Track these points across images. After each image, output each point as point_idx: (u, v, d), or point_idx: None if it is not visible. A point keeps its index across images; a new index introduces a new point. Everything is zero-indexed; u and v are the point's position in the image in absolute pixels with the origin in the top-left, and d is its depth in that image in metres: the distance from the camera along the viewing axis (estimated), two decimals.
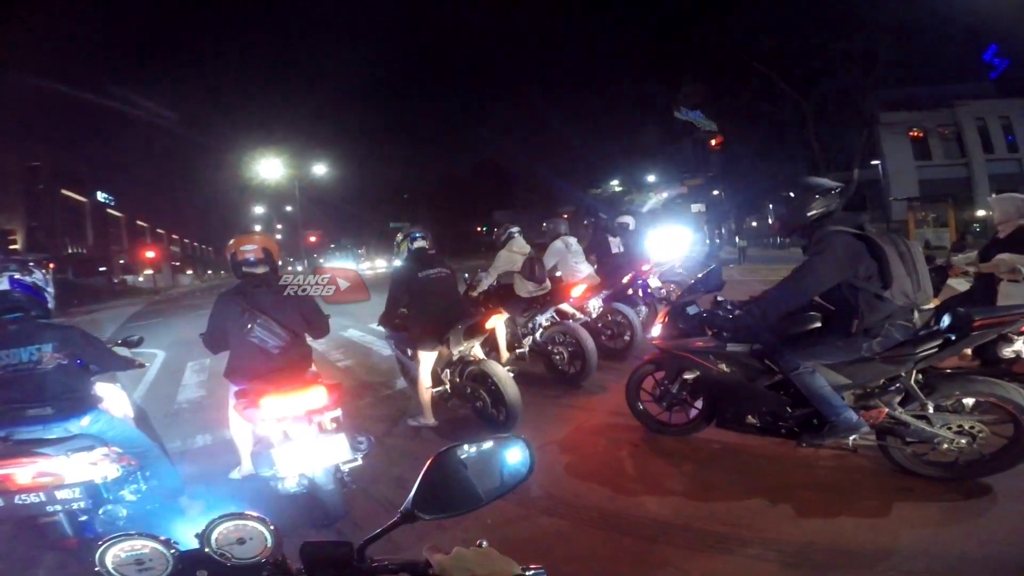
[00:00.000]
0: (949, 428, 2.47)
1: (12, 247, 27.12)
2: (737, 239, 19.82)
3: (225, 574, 0.82)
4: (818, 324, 2.80)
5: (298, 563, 0.86)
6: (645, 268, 6.06)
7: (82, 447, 2.51)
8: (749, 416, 2.92)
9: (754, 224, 31.02)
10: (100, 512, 2.51)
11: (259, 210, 44.72)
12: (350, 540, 0.85)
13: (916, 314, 2.57)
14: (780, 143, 22.89)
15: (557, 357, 4.73)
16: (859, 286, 2.52)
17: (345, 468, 2.77)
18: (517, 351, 4.33)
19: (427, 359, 4.01)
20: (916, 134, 23.68)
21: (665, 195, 32.52)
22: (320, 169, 36.50)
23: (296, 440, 2.65)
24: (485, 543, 0.81)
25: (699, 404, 3.24)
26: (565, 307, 5.05)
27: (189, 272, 53.68)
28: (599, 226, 7.12)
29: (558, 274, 5.40)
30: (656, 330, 3.41)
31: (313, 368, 3.12)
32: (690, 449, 3.29)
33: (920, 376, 2.56)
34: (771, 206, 3.06)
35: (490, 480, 0.89)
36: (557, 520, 2.65)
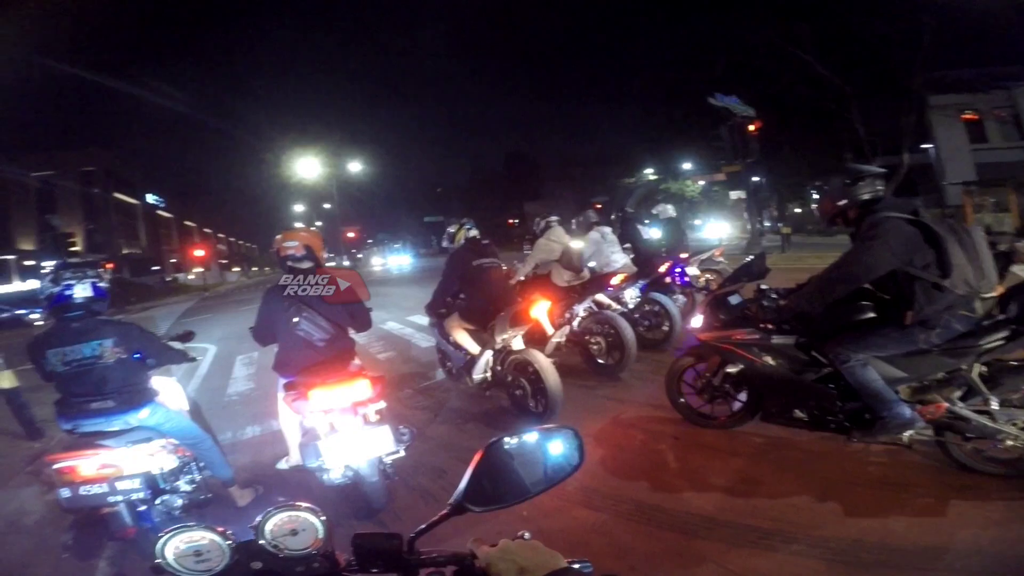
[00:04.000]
0: (1015, 424, 2.33)
1: (73, 248, 28.86)
2: (780, 226, 19.13)
3: (278, 565, 0.84)
4: (871, 315, 2.68)
5: (345, 554, 0.88)
6: (683, 257, 5.94)
7: (141, 439, 2.63)
8: (796, 410, 2.82)
9: (797, 210, 29.89)
10: (157, 502, 2.61)
11: (299, 208, 46.08)
12: (397, 532, 0.86)
13: (978, 303, 2.43)
14: (822, 128, 21.90)
15: (595, 347, 4.70)
16: (915, 275, 2.40)
17: (388, 460, 2.83)
18: (554, 341, 4.33)
19: (467, 340, 4.14)
20: (970, 116, 22.30)
21: (701, 183, 31.72)
22: (356, 167, 37.42)
23: (342, 432, 2.71)
24: (528, 535, 0.81)
25: (743, 397, 3.14)
26: (602, 297, 5.00)
27: (236, 269, 55.78)
28: (626, 217, 7.01)
29: (592, 264, 5.35)
30: (697, 321, 3.34)
31: (357, 361, 3.19)
32: (733, 443, 3.20)
33: (984, 369, 2.42)
34: (816, 192, 2.96)
35: (539, 472, 0.89)
36: (594, 513, 2.63)
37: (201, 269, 41.61)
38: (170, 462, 2.76)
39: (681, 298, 5.80)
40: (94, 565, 2.70)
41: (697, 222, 31.48)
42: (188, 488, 2.88)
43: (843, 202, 2.71)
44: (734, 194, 26.60)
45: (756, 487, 2.73)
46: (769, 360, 2.84)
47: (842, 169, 2.82)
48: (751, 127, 17.25)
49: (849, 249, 2.61)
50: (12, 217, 34.29)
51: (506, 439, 0.89)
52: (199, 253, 41.56)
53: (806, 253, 14.08)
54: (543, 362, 3.69)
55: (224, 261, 54.80)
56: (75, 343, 2.51)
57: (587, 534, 2.49)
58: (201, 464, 3.03)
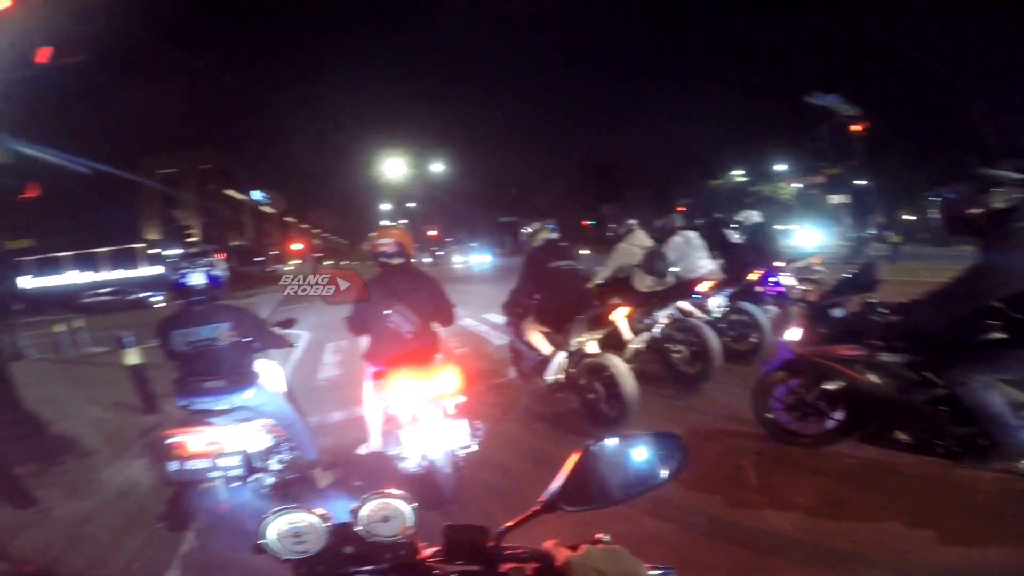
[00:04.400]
0: None
1: (190, 239, 32.45)
2: (888, 234, 17.31)
3: (368, 550, 0.86)
4: (999, 335, 2.36)
5: (428, 543, 0.89)
6: (777, 265, 5.54)
7: (243, 418, 2.81)
8: (899, 432, 2.59)
9: (908, 218, 26.95)
10: (251, 479, 2.76)
11: (385, 207, 48.43)
12: (483, 525, 0.86)
13: None
14: (938, 128, 19.57)
15: (676, 356, 4.50)
16: None
17: (461, 453, 2.88)
18: (633, 347, 4.20)
19: (541, 341, 4.12)
20: None
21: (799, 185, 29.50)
22: (437, 167, 38.83)
23: (424, 423, 2.79)
24: (608, 538, 0.79)
25: (838, 415, 2.91)
26: (686, 304, 4.78)
27: (329, 262, 59.49)
28: (713, 220, 6.64)
29: (675, 269, 5.13)
30: (793, 333, 3.10)
31: (440, 355, 3.27)
32: (821, 462, 2.98)
33: None
34: (935, 198, 2.63)
35: (638, 476, 0.87)
36: (662, 523, 2.51)
37: (298, 261, 44.99)
38: (265, 442, 2.93)
39: (772, 308, 5.39)
40: (182, 537, 2.91)
41: (792, 227, 29.41)
42: (278, 467, 3.04)
43: (974, 211, 2.41)
44: (834, 198, 24.51)
45: (841, 508, 2.54)
46: (874, 378, 2.62)
47: (973, 174, 2.51)
48: (855, 127, 15.76)
49: (978, 262, 2.33)
50: (141, 210, 39.18)
51: (607, 441, 0.88)
52: (297, 246, 45.55)
53: (919, 265, 12.63)
54: (620, 367, 3.60)
55: (318, 255, 58.86)
56: (197, 325, 2.75)
57: (652, 544, 2.37)
58: (291, 445, 3.20)
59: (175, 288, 2.84)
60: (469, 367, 6.18)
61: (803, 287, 5.87)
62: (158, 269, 31.85)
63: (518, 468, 3.43)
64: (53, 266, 31.66)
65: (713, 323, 4.72)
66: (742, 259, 5.66)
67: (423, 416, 2.81)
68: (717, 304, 4.96)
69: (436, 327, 3.32)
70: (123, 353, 5.40)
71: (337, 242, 73.24)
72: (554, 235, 4.33)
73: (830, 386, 2.85)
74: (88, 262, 33.21)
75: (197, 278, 2.78)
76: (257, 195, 51.57)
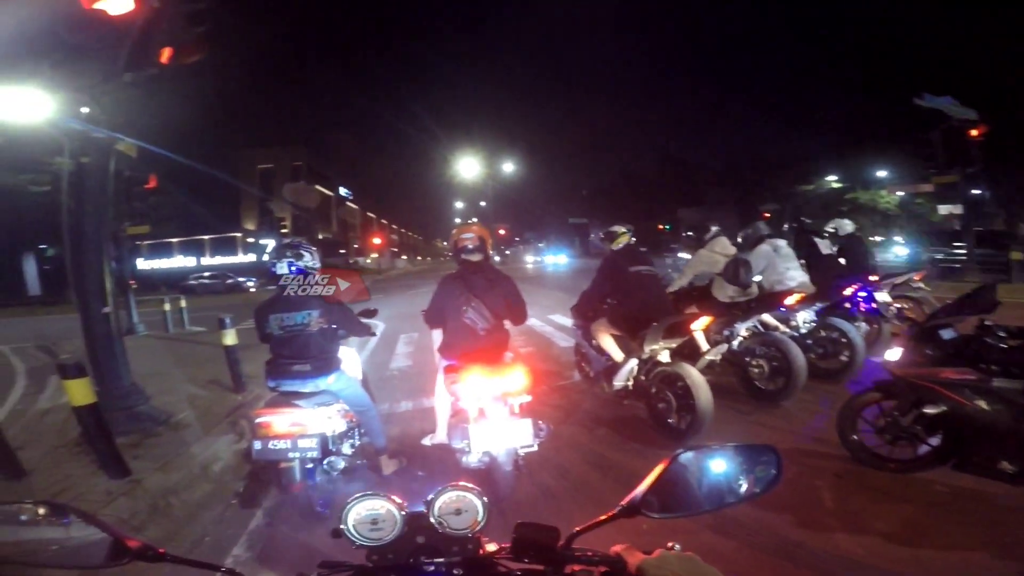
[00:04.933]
0: None
1: (283, 230, 35.07)
2: (1016, 251, 15.25)
3: (439, 542, 0.86)
4: None
5: (493, 538, 0.89)
6: (873, 279, 5.08)
7: (324, 402, 2.94)
8: (1005, 462, 2.38)
9: None
10: (324, 462, 2.88)
11: (458, 205, 49.58)
12: (556, 526, 0.84)
13: None
14: None
15: (755, 370, 4.26)
16: None
17: (522, 452, 2.88)
18: (708, 359, 4.02)
19: (612, 346, 4.06)
20: None
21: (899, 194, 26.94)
22: (508, 167, 39.31)
23: (491, 419, 2.83)
24: (678, 547, 0.77)
25: (933, 441, 2.69)
26: (770, 317, 4.50)
27: (404, 257, 62.38)
28: (804, 228, 6.20)
29: (757, 279, 4.84)
30: (893, 353, 2.84)
31: (509, 353, 3.30)
32: (907, 489, 2.76)
33: None
34: None
35: (726, 487, 0.84)
36: (724, 539, 2.40)
37: (376, 255, 47.65)
38: (340, 426, 3.07)
39: (864, 326, 4.96)
40: (253, 514, 3.09)
41: (891, 239, 26.84)
42: (348, 452, 3.18)
43: None
44: (943, 209, 21.99)
45: (923, 536, 2.36)
46: (983, 404, 2.40)
47: None
48: (973, 131, 14.06)
49: None
50: (241, 202, 43.06)
51: (695, 451, 0.85)
52: (376, 241, 48.23)
53: None
54: (696, 378, 3.47)
55: (395, 249, 61.68)
56: (291, 311, 2.94)
57: (710, 558, 2.25)
58: (362, 431, 3.35)
59: (272, 275, 3.03)
60: (533, 367, 6.20)
61: (899, 305, 5.35)
62: (253, 257, 34.82)
63: (577, 472, 3.39)
64: (164, 251, 35.26)
65: (799, 339, 4.42)
66: (833, 271, 5.25)
67: (490, 412, 2.85)
68: (805, 319, 4.62)
69: (508, 325, 3.34)
70: (222, 333, 5.86)
71: (412, 238, 76.14)
72: (633, 239, 4.27)
73: (930, 410, 2.62)
74: (194, 248, 36.61)
75: (292, 267, 2.97)
76: (343, 191, 54.64)
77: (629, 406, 4.24)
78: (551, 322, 9.22)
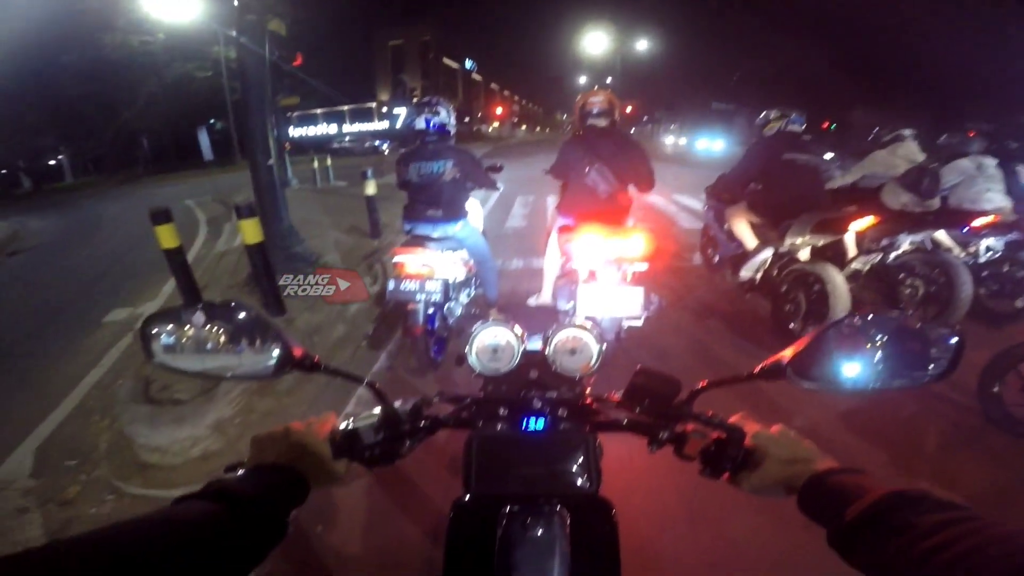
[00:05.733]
0: None
1: (415, 100, 36.29)
2: None
3: (550, 379, 0.88)
4: None
5: (601, 387, 0.88)
6: None
7: (451, 247, 3.15)
8: None
9: None
10: (444, 308, 3.11)
11: (582, 80, 46.39)
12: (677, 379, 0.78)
13: None
14: None
15: (906, 290, 3.64)
16: None
17: (626, 324, 2.84)
18: (854, 266, 3.53)
19: (747, 232, 3.80)
20: None
21: None
22: (642, 44, 35.97)
23: (601, 282, 2.79)
24: (793, 433, 0.70)
25: None
26: (945, 236, 3.76)
27: (523, 127, 62.03)
28: (1009, 153, 4.81)
29: (945, 194, 3.98)
30: None
31: (631, 220, 3.20)
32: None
33: None
34: None
35: (890, 366, 0.70)
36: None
37: (497, 124, 48.23)
38: (461, 274, 3.28)
39: None
40: (377, 356, 3.45)
41: None
42: (465, 301, 3.41)
43: None
44: None
45: (1013, 510, 2.00)
46: None
47: None
48: None
49: None
50: (375, 75, 45.27)
51: (864, 317, 0.71)
52: (499, 111, 49.28)
53: None
54: (838, 284, 3.10)
55: (516, 120, 61.22)
56: (428, 160, 3.11)
57: None
58: (478, 282, 3.57)
59: (411, 129, 3.18)
60: (652, 244, 6.02)
61: None
62: (386, 124, 36.85)
63: (677, 357, 3.29)
64: (310, 120, 38.47)
65: (974, 267, 3.63)
66: None
67: (601, 275, 2.81)
68: (989, 246, 3.76)
69: (633, 192, 3.21)
70: (365, 183, 6.49)
71: (533, 110, 74.10)
72: (796, 128, 3.75)
73: None
74: (335, 117, 39.30)
75: (429, 122, 3.09)
76: (469, 64, 53.89)
77: (750, 301, 3.99)
78: (676, 202, 8.70)
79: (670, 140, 25.69)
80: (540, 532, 0.67)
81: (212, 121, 29.56)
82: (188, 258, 6.68)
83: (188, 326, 0.72)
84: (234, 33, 4.31)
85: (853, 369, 0.69)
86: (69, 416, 3.14)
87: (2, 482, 2.55)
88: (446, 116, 3.12)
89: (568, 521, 0.70)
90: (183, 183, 19.02)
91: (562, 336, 0.87)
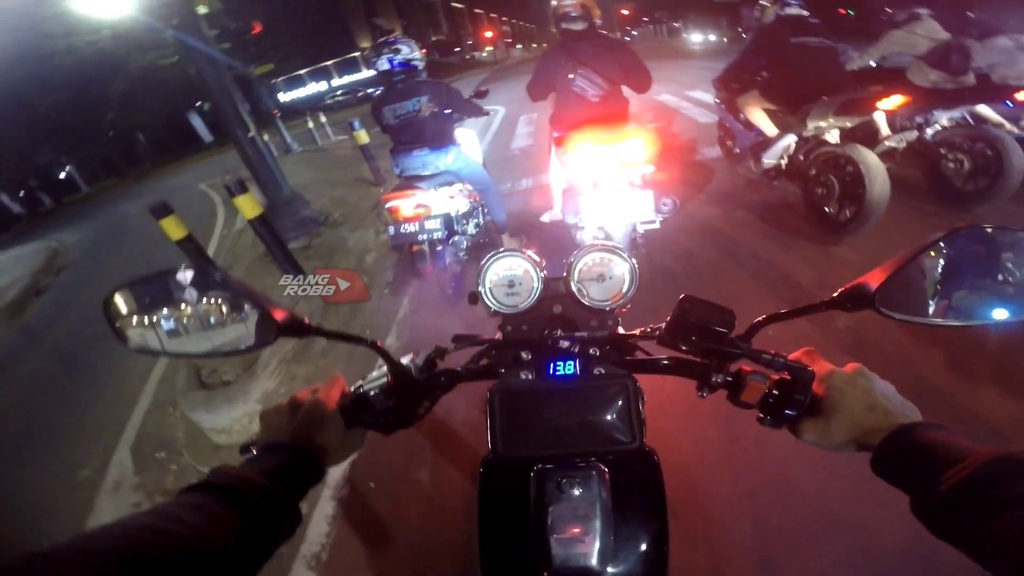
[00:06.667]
0: None
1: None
2: None
3: (576, 315, 0.77)
4: None
5: (636, 318, 0.76)
6: None
7: (445, 182, 3.07)
8: None
9: None
10: (451, 242, 3.04)
11: None
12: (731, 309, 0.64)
13: None
14: None
15: (951, 165, 3.29)
16: None
17: (641, 229, 2.71)
18: (889, 144, 3.21)
19: (764, 120, 3.56)
20: None
21: None
22: None
23: (604, 190, 2.64)
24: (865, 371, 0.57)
25: None
26: (988, 110, 3.33)
27: (519, 46, 59.57)
28: None
29: (982, 72, 3.49)
30: None
31: (632, 124, 2.99)
32: None
33: None
34: None
35: (1001, 293, 0.54)
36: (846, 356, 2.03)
37: (491, 48, 46.21)
38: (463, 206, 3.21)
39: None
40: (401, 302, 3.46)
41: None
42: (473, 231, 3.34)
43: None
44: None
45: None
46: None
47: None
48: None
49: None
50: (348, 23, 43.21)
51: (980, 230, 0.55)
52: (488, 35, 47.28)
53: None
54: (872, 161, 2.83)
55: (509, 40, 58.72)
56: (401, 100, 3.03)
57: None
58: (485, 210, 3.48)
59: (377, 73, 3.05)
60: (663, 143, 5.73)
61: None
62: (374, 71, 35.94)
63: (705, 257, 3.13)
64: (297, 82, 37.59)
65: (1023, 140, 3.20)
66: None
67: (604, 184, 2.65)
68: None
69: (628, 93, 3.02)
70: (355, 135, 6.43)
71: (526, 27, 70.52)
72: (797, 11, 3.41)
73: None
74: (321, 74, 38.23)
75: (391, 61, 2.98)
76: None
77: (778, 188, 3.73)
78: (689, 98, 8.15)
79: (698, 38, 23.82)
80: (579, 492, 0.60)
81: (199, 103, 29.14)
82: (213, 240, 6.99)
83: (152, 303, 0.63)
84: (162, 21, 4.17)
85: (969, 298, 0.54)
86: (147, 412, 3.31)
87: (116, 483, 2.74)
88: (408, 51, 3.01)
89: (608, 477, 0.63)
90: (191, 169, 19.06)
91: (587, 260, 0.75)
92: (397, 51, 2.99)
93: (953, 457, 0.44)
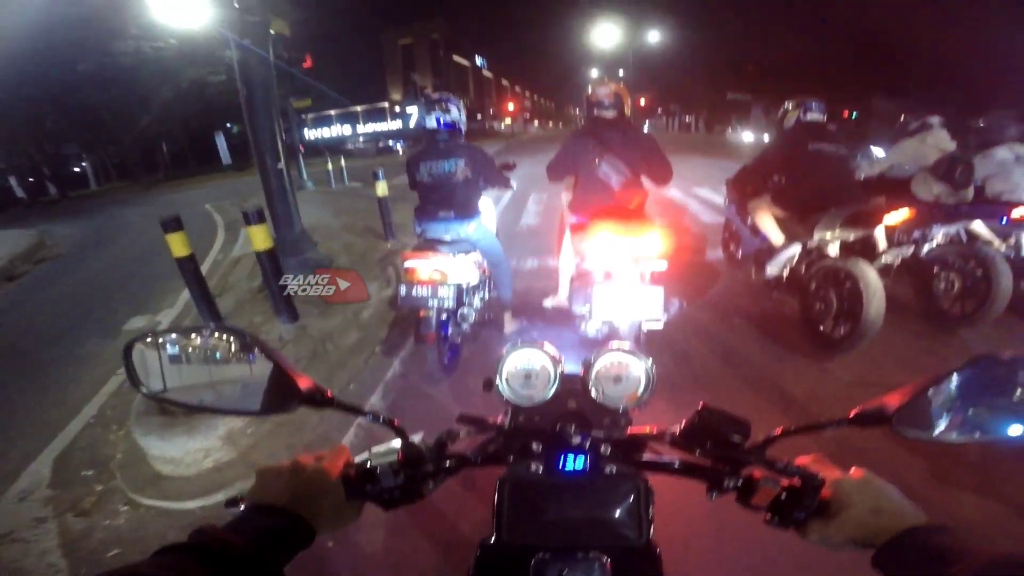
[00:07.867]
0: None
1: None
2: None
3: (592, 411, 0.77)
4: None
5: (647, 418, 0.77)
6: None
7: (464, 250, 3.03)
8: None
9: None
10: (457, 314, 3.00)
11: (593, 73, 46.24)
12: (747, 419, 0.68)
13: None
14: None
15: (941, 284, 3.46)
16: None
17: (646, 328, 2.68)
18: (885, 260, 3.35)
19: (772, 227, 3.64)
20: None
21: None
22: (653, 36, 35.69)
23: (617, 281, 2.65)
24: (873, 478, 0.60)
25: None
26: (982, 228, 3.54)
27: (536, 123, 62.47)
28: None
29: (977, 184, 3.76)
30: None
31: (648, 217, 3.05)
32: None
33: None
34: None
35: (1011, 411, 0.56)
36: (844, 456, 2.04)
37: (509, 120, 48.74)
38: (474, 278, 3.14)
39: None
40: (391, 363, 3.37)
41: None
42: (478, 305, 3.29)
43: None
44: None
45: None
46: None
47: None
48: None
49: None
50: (386, 75, 46.12)
51: (997, 359, 0.57)
52: (511, 107, 49.69)
53: None
54: (872, 280, 2.87)
55: (528, 115, 61.63)
56: (439, 159, 3.02)
57: None
58: (492, 284, 3.46)
59: (421, 129, 3.08)
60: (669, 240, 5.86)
61: None
62: (399, 124, 37.24)
63: (702, 362, 3.14)
64: (325, 121, 39.07)
65: (1014, 262, 3.37)
66: None
67: (618, 275, 2.68)
68: None
69: (648, 185, 3.09)
70: (376, 184, 6.44)
71: (545, 105, 74.41)
72: (817, 116, 3.55)
73: None
74: (349, 118, 39.83)
75: (439, 120, 3.00)
76: (479, 60, 54.26)
77: (776, 300, 3.81)
78: (695, 195, 8.48)
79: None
80: None
81: (228, 125, 30.10)
82: (206, 263, 6.90)
83: (178, 352, 0.64)
84: (237, 36, 4.31)
85: (983, 415, 0.56)
86: (88, 425, 3.14)
87: (22, 492, 2.56)
88: (457, 113, 3.03)
89: (610, 568, 0.63)
90: (202, 187, 19.29)
91: (606, 361, 0.76)
92: (447, 110, 3.00)
93: (955, 558, 0.45)
